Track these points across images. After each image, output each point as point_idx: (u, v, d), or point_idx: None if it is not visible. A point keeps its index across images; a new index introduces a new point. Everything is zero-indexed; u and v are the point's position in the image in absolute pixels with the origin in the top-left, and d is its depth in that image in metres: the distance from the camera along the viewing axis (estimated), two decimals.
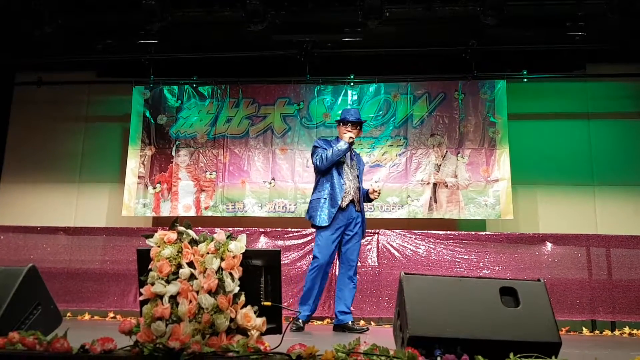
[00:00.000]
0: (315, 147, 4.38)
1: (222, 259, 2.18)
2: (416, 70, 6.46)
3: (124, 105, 6.63)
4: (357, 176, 4.35)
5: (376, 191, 4.31)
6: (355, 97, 6.40)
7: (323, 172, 4.28)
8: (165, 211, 6.24)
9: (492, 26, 5.48)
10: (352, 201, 4.24)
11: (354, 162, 4.38)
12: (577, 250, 5.29)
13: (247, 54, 6.47)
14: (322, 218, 4.16)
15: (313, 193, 4.34)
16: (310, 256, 5.43)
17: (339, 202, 4.16)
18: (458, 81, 6.31)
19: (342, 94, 6.42)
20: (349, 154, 4.35)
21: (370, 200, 4.43)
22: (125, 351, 1.91)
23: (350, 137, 4.24)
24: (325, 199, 4.20)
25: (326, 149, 4.25)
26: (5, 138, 6.92)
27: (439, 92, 6.34)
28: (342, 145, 4.22)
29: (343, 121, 4.37)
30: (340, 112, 4.63)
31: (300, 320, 4.19)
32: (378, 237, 5.48)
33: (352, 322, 4.25)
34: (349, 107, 4.96)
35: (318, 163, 4.25)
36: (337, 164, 4.25)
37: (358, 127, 4.38)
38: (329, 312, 5.33)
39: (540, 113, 6.50)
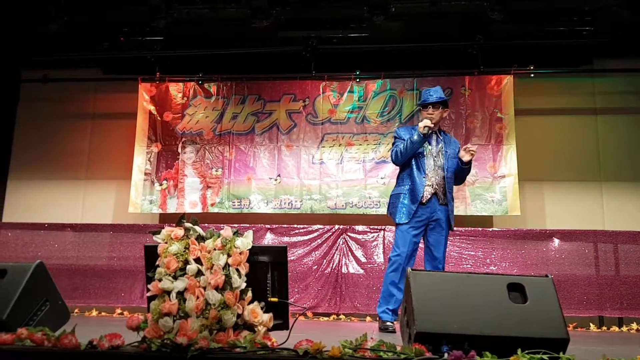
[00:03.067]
0: (394, 137, 4.07)
1: (228, 255, 2.18)
2: (422, 66, 6.43)
3: (130, 102, 6.64)
4: (443, 166, 3.94)
5: (470, 150, 3.85)
6: (361, 93, 6.39)
7: (403, 165, 3.98)
8: (172, 208, 6.25)
9: (498, 21, 5.46)
10: (434, 194, 3.90)
11: (440, 149, 3.97)
12: (585, 246, 5.28)
13: (252, 51, 6.46)
14: (402, 215, 3.88)
15: (394, 187, 4.07)
16: (317, 252, 5.47)
17: (420, 198, 3.86)
18: (464, 77, 6.29)
19: (348, 90, 6.41)
20: (433, 141, 3.98)
21: (466, 166, 3.90)
22: (133, 347, 1.91)
23: (426, 126, 3.80)
24: (405, 194, 3.90)
25: (404, 140, 3.92)
26: (12, 135, 6.95)
27: (445, 87, 6.28)
28: (415, 136, 3.82)
29: (422, 105, 3.98)
30: (422, 93, 4.12)
31: (387, 322, 3.86)
32: (384, 234, 5.47)
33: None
34: (428, 89, 4.15)
35: (394, 158, 3.97)
36: (417, 155, 3.92)
37: (441, 107, 3.95)
38: (335, 309, 5.34)
39: (547, 108, 6.47)
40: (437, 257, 3.90)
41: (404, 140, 3.93)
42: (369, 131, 6.28)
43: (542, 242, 5.32)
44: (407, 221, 3.86)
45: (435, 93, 3.97)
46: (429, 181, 3.90)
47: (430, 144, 3.97)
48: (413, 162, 3.92)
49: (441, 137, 4.03)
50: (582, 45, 6.03)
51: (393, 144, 4.06)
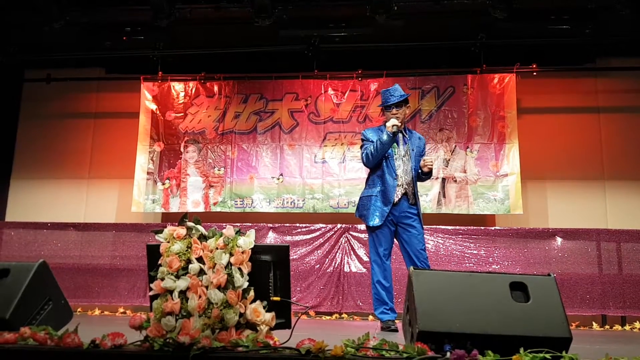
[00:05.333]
0: (362, 140, 4.05)
1: (231, 254, 2.18)
2: (425, 65, 6.42)
3: (132, 101, 6.65)
4: (411, 166, 3.95)
5: (427, 164, 3.89)
6: (363, 92, 6.38)
7: (373, 167, 3.98)
8: (174, 207, 6.26)
9: (501, 20, 5.44)
10: (405, 194, 3.91)
11: (407, 150, 3.97)
12: (588, 245, 5.26)
13: (254, 50, 6.47)
14: (375, 218, 3.87)
15: (364, 189, 4.05)
16: (319, 251, 5.48)
17: (392, 199, 3.86)
18: (467, 75, 6.28)
19: (350, 88, 6.41)
20: (400, 141, 3.97)
21: (426, 175, 3.98)
22: (136, 346, 1.91)
23: (394, 125, 3.78)
24: (377, 196, 3.90)
25: (373, 142, 3.90)
26: (15, 135, 6.97)
27: (448, 86, 6.30)
28: (384, 137, 3.81)
29: (385, 106, 3.96)
30: (381, 95, 4.09)
31: (388, 321, 3.84)
32: None
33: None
34: (387, 89, 4.11)
35: (365, 160, 3.97)
36: (387, 157, 3.91)
37: (404, 106, 3.96)
38: (337, 308, 5.34)
39: (549, 107, 6.45)
40: (413, 256, 3.83)
41: (372, 142, 3.92)
42: None
43: (545, 240, 5.31)
44: (380, 224, 3.87)
45: (396, 92, 3.96)
46: (399, 182, 3.92)
47: (398, 145, 3.97)
48: (384, 164, 3.92)
49: (407, 136, 4.04)
50: (585, 44, 6.02)
51: (361, 146, 4.04)
